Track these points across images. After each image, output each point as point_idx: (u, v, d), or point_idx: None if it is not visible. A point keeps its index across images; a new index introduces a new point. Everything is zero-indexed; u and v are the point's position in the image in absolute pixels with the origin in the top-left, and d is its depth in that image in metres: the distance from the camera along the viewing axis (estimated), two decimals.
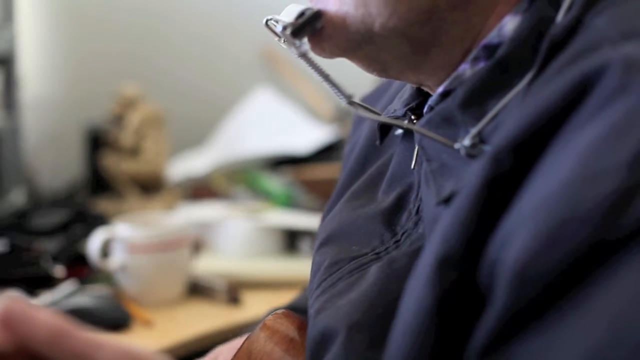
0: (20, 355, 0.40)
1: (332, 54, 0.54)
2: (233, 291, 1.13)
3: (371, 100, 0.66)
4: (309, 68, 0.55)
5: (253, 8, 1.81)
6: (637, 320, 0.36)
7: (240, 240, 1.27)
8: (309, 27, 0.53)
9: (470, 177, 0.45)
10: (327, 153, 1.59)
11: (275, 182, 1.46)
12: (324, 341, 0.52)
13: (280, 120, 1.67)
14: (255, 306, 1.11)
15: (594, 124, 0.40)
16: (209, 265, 1.21)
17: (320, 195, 1.44)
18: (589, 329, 0.37)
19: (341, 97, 0.55)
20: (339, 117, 1.72)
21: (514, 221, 0.41)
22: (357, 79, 0.65)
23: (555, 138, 0.42)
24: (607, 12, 0.46)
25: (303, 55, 0.54)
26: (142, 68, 1.71)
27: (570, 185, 0.39)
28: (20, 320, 0.39)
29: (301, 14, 0.53)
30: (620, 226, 0.38)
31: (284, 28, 0.53)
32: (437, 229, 0.46)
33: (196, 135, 1.70)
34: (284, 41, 0.54)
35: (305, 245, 1.27)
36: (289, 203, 1.39)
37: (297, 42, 0.53)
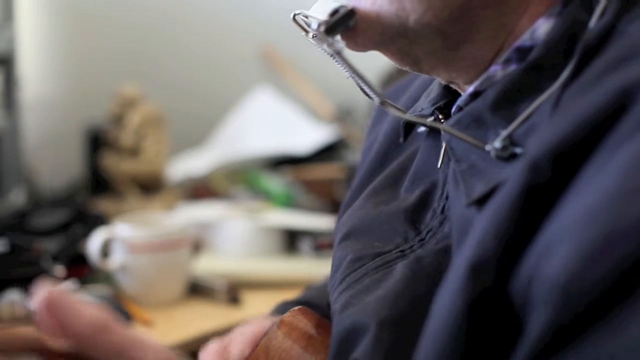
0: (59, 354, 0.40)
1: (365, 47, 0.54)
2: (233, 291, 1.13)
3: (392, 96, 0.66)
4: (341, 66, 0.54)
5: (253, 8, 1.81)
6: None
7: (240, 240, 1.27)
8: (343, 24, 0.53)
9: (507, 184, 0.45)
10: (327, 153, 1.59)
11: (275, 182, 1.46)
12: (351, 337, 0.52)
13: (280, 120, 1.67)
14: (255, 306, 1.11)
15: (637, 137, 0.40)
16: (209, 265, 1.21)
17: (320, 195, 1.44)
18: (634, 347, 0.37)
19: (374, 95, 0.55)
20: (339, 117, 1.72)
21: (554, 233, 0.41)
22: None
23: (597, 150, 0.42)
24: None
25: (337, 53, 0.53)
26: (142, 68, 1.71)
27: (614, 199, 0.39)
28: (64, 308, 0.39)
29: (334, 12, 0.53)
30: None
31: (319, 25, 0.52)
32: (472, 233, 0.46)
33: (196, 135, 1.70)
34: (313, 37, 0.53)
35: (305, 245, 1.27)
36: (289, 203, 1.39)
37: (329, 39, 0.53)
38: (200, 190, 1.51)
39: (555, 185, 0.43)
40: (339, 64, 0.54)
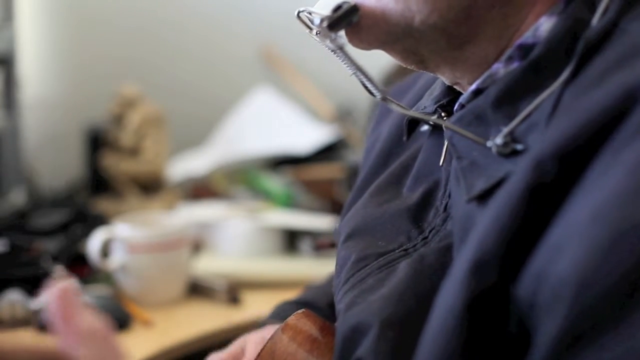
0: None
1: (369, 45, 0.54)
2: (233, 291, 1.13)
3: (395, 95, 0.66)
4: (344, 62, 0.54)
5: (254, 8, 1.81)
6: None
7: (240, 240, 1.27)
8: (346, 20, 0.53)
9: (511, 182, 0.45)
10: (327, 153, 1.59)
11: (275, 182, 1.46)
12: (355, 336, 0.52)
13: (281, 120, 1.67)
14: (255, 306, 1.11)
15: None
16: (209, 265, 1.21)
17: (320, 195, 1.44)
18: None
19: (376, 91, 0.56)
20: (339, 117, 1.72)
21: (562, 233, 0.41)
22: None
23: (602, 150, 0.42)
24: None
25: (340, 49, 0.54)
26: (143, 68, 1.71)
27: (621, 198, 0.39)
28: (73, 306, 0.41)
29: (338, 7, 0.53)
30: None
31: (321, 21, 0.53)
32: (474, 231, 0.46)
33: (196, 135, 1.70)
34: (317, 34, 0.54)
35: (305, 245, 1.27)
36: (289, 203, 1.39)
37: (332, 35, 0.53)
38: (200, 190, 1.51)
39: (561, 185, 0.43)
40: (341, 60, 0.55)
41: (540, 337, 0.41)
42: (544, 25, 0.51)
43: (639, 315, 0.38)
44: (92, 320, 0.41)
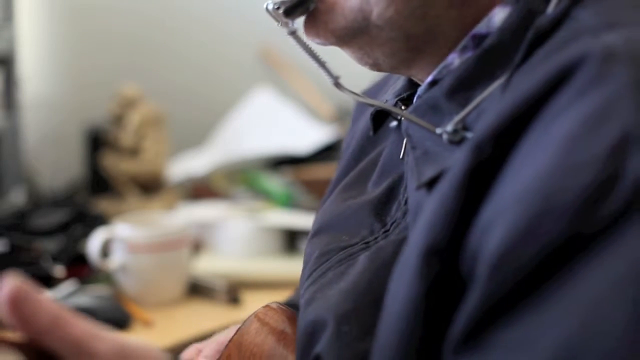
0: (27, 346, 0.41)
1: (326, 39, 0.55)
2: (233, 291, 1.13)
3: (372, 94, 0.67)
4: (305, 62, 0.56)
5: (253, 8, 1.81)
6: (607, 314, 0.37)
7: (240, 240, 1.27)
8: (302, 7, 0.54)
9: (454, 166, 0.45)
10: (327, 153, 1.59)
11: (275, 182, 1.46)
12: (314, 332, 0.52)
13: (280, 120, 1.67)
14: (255, 306, 1.10)
15: (570, 113, 0.41)
16: (209, 265, 1.21)
17: (320, 195, 1.44)
18: (562, 320, 0.38)
19: (329, 78, 0.56)
20: (339, 117, 1.72)
21: (492, 211, 0.42)
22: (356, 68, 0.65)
23: (534, 125, 0.42)
24: (593, 5, 0.47)
25: (293, 34, 0.55)
26: (143, 67, 1.71)
27: (547, 177, 0.40)
28: (26, 302, 0.40)
29: None
30: (595, 220, 0.38)
31: (277, 7, 0.54)
32: (422, 217, 0.46)
33: (196, 135, 1.70)
34: (278, 22, 0.55)
35: (305, 245, 1.27)
36: (289, 203, 1.39)
37: (288, 21, 0.54)
38: (200, 190, 1.51)
39: (496, 163, 0.43)
40: (297, 45, 0.55)
41: (462, 310, 0.42)
42: (498, 15, 0.51)
43: (552, 295, 0.38)
44: (52, 309, 0.40)
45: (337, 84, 0.56)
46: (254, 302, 1.12)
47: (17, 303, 0.40)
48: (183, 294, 1.15)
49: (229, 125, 1.67)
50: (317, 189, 1.46)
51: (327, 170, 1.50)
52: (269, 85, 1.76)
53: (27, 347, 0.42)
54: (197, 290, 1.16)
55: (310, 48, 0.56)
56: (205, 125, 1.70)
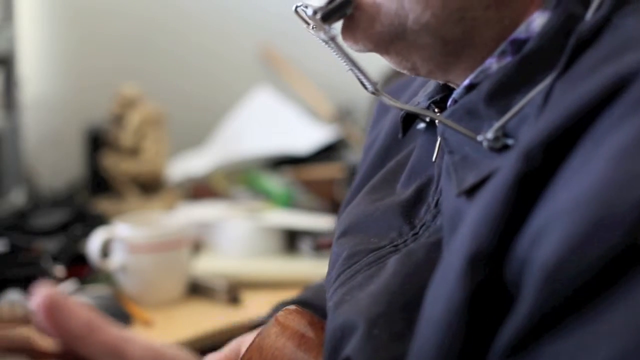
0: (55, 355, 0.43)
1: (364, 46, 0.54)
2: (233, 291, 1.13)
3: (393, 93, 0.66)
4: (338, 55, 0.55)
5: (253, 7, 1.81)
6: None
7: (240, 240, 1.27)
8: (340, 12, 0.53)
9: (500, 173, 0.45)
10: (327, 153, 1.59)
11: (275, 182, 1.46)
12: (343, 334, 0.52)
13: (281, 120, 1.67)
14: (255, 306, 1.11)
15: (627, 124, 0.40)
16: (209, 265, 1.21)
17: (320, 195, 1.44)
18: (618, 332, 0.37)
19: (368, 84, 0.56)
20: (339, 117, 1.72)
21: (544, 219, 0.41)
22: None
23: (586, 136, 0.42)
24: (638, 14, 0.47)
25: (332, 40, 0.54)
26: (143, 67, 1.71)
27: (603, 188, 0.39)
28: (61, 309, 0.42)
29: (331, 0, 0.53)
30: None
31: (314, 12, 0.53)
32: (464, 225, 0.46)
33: (196, 135, 1.70)
34: (313, 27, 0.54)
35: (305, 245, 1.27)
36: (289, 203, 1.39)
37: (326, 27, 0.53)
38: (200, 190, 1.51)
39: (546, 172, 0.43)
40: (335, 52, 0.55)
41: (513, 319, 0.41)
42: (537, 20, 0.50)
43: (606, 307, 0.38)
44: (85, 316, 0.42)
45: (376, 90, 0.55)
46: (254, 302, 1.12)
47: (51, 310, 0.41)
48: (183, 294, 1.15)
49: (229, 125, 1.67)
50: (317, 189, 1.46)
51: (327, 170, 1.50)
52: (269, 85, 1.76)
53: (63, 357, 0.43)
54: (197, 290, 1.16)
55: (348, 54, 0.55)
56: (205, 125, 1.70)
